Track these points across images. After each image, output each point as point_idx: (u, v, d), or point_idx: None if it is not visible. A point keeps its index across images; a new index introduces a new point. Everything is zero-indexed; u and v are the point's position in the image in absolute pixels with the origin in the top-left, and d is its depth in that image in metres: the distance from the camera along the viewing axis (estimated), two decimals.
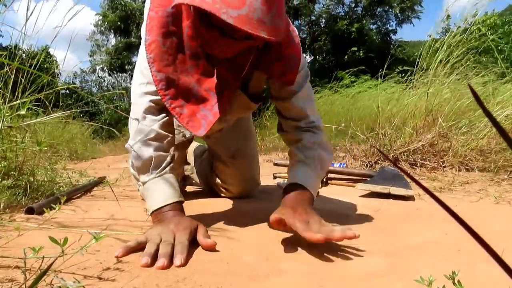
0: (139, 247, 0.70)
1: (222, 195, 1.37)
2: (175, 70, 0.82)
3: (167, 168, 0.85)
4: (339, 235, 0.70)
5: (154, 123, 0.85)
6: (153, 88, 0.84)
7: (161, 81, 0.81)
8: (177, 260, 0.65)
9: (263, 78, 0.98)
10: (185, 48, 0.82)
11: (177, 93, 0.83)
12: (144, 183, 0.84)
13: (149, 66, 0.81)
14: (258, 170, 1.35)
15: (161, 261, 0.64)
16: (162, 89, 0.82)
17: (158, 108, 0.87)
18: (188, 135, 1.22)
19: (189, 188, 1.59)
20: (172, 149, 0.89)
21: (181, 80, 0.82)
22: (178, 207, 0.82)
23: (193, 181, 1.55)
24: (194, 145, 1.52)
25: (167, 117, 0.88)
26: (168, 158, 0.86)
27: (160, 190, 0.82)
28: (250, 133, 1.33)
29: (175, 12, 0.81)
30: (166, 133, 0.87)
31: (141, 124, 0.85)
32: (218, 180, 1.36)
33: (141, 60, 0.87)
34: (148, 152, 0.83)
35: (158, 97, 0.84)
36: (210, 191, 1.45)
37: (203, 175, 1.47)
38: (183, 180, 1.50)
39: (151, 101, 0.86)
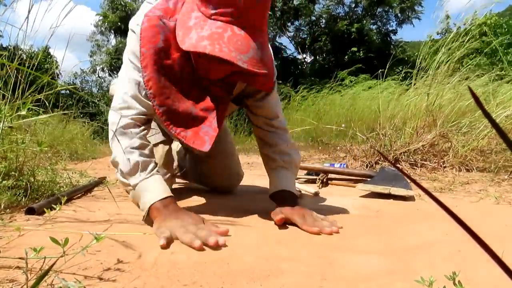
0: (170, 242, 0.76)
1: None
2: (174, 101, 0.92)
3: (154, 170, 0.91)
4: (329, 231, 0.87)
5: (135, 136, 0.93)
6: (132, 111, 0.93)
7: (164, 114, 0.92)
8: (221, 239, 0.74)
9: (243, 85, 1.07)
10: (179, 77, 0.93)
11: (179, 120, 0.94)
12: (135, 186, 0.89)
13: (151, 100, 0.91)
14: (239, 165, 1.45)
15: (213, 240, 0.73)
16: (165, 120, 0.93)
17: (137, 124, 0.95)
18: (160, 139, 1.33)
19: (184, 185, 1.59)
20: (154, 156, 0.96)
21: (181, 108, 0.93)
22: (174, 201, 0.89)
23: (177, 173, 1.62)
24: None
25: (146, 130, 0.97)
26: (153, 163, 0.92)
27: (155, 187, 0.89)
28: (225, 132, 1.39)
29: (164, 47, 0.90)
30: (147, 143, 0.95)
31: (123, 138, 0.91)
32: (204, 181, 1.45)
33: (123, 85, 0.95)
34: (134, 158, 0.89)
35: (137, 116, 0.94)
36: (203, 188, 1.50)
37: (195, 174, 1.52)
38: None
39: (131, 118, 0.93)
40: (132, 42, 0.93)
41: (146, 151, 0.92)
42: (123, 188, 1.01)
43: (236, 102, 1.11)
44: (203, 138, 0.94)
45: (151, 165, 0.91)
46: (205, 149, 0.92)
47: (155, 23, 0.90)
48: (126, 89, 0.94)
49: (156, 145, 1.31)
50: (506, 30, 8.52)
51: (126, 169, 0.89)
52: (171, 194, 0.89)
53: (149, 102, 0.93)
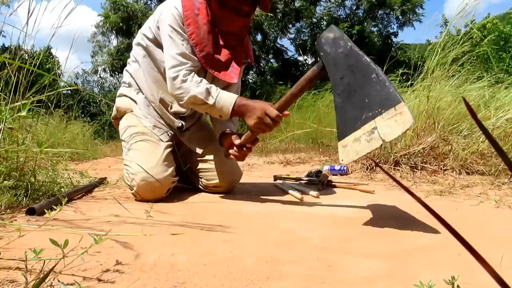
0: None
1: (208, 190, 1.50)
2: (209, 49, 1.30)
3: (218, 89, 1.26)
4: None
5: (194, 77, 1.27)
6: (184, 66, 1.27)
7: (203, 58, 1.30)
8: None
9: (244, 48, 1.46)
10: (209, 33, 1.30)
11: (214, 63, 1.32)
12: (215, 100, 1.23)
13: (192, 47, 1.29)
14: (236, 163, 1.52)
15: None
16: (205, 63, 1.30)
17: (191, 71, 1.28)
18: (166, 138, 1.44)
19: (184, 187, 1.59)
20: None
21: (214, 54, 1.32)
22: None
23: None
24: None
25: (196, 74, 1.30)
26: (214, 86, 1.26)
27: (228, 94, 1.25)
28: (214, 133, 1.52)
29: (198, 13, 1.30)
30: (202, 78, 1.28)
31: (188, 81, 1.25)
32: (204, 182, 1.48)
33: (172, 49, 1.28)
34: (204, 87, 1.24)
35: (189, 67, 1.27)
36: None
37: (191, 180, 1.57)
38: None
39: (186, 70, 1.27)
40: (173, 16, 1.28)
41: (205, 80, 1.28)
42: (205, 111, 1.31)
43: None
44: (231, 75, 1.34)
45: (214, 87, 1.26)
46: (234, 81, 1.34)
47: None
48: (176, 50, 1.27)
49: (158, 145, 1.38)
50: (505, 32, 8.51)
51: (203, 95, 1.23)
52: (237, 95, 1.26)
53: (195, 57, 1.28)
